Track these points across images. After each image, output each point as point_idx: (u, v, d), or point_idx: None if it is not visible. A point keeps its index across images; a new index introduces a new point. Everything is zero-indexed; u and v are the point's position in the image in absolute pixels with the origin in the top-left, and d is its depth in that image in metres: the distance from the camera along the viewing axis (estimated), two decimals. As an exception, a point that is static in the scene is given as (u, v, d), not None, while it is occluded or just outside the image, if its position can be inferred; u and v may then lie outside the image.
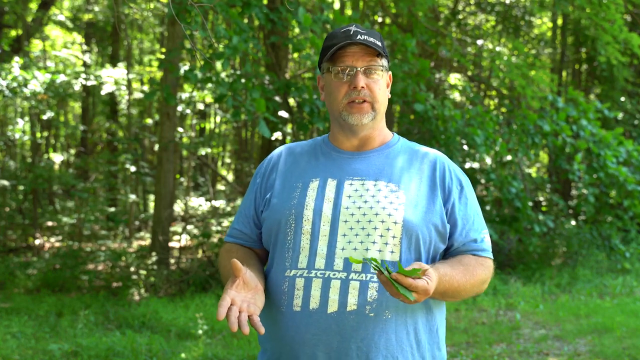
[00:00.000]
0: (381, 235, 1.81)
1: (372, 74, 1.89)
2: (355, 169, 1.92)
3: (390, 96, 2.02)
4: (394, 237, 1.81)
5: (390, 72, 1.99)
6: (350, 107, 1.89)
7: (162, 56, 9.55)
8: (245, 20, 7.73)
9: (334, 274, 1.80)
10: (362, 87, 1.87)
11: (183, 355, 5.25)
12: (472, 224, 1.91)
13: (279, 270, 1.87)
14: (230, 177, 18.30)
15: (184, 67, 7.05)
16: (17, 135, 12.61)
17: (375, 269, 1.64)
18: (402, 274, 1.62)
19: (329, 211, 1.86)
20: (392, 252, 1.81)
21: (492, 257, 1.95)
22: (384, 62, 1.92)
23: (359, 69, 1.88)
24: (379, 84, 1.91)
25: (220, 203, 12.75)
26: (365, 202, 1.85)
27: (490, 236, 8.53)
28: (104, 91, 12.13)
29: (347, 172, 1.92)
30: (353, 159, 1.94)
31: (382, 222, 1.82)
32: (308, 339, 1.79)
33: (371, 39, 1.88)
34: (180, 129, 11.11)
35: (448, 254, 1.92)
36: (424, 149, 2.01)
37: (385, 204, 1.84)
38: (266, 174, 2.03)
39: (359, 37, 1.87)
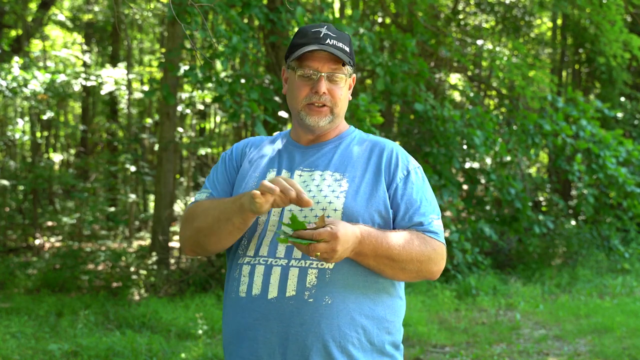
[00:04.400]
0: None
1: (335, 80, 1.96)
2: (307, 160, 2.00)
3: (351, 98, 2.10)
4: None
5: (354, 75, 2.06)
6: (309, 108, 1.97)
7: (162, 56, 9.55)
8: (245, 20, 7.73)
9: (276, 261, 1.86)
10: (324, 92, 1.94)
11: (183, 355, 5.25)
12: (417, 209, 1.91)
13: (234, 258, 1.96)
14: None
15: (184, 67, 7.05)
16: (17, 135, 12.60)
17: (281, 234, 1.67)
18: (300, 228, 1.65)
19: None
20: None
21: (444, 243, 1.91)
22: (348, 69, 1.98)
23: (322, 74, 1.94)
24: (342, 89, 1.98)
25: (220, 203, 12.74)
26: (310, 191, 1.91)
27: (490, 236, 8.66)
28: (104, 91, 12.13)
29: (299, 164, 2.00)
30: (307, 151, 2.02)
31: (323, 209, 1.88)
32: (250, 324, 1.86)
33: (340, 44, 1.95)
34: (180, 129, 11.11)
35: None
36: (375, 138, 2.06)
37: (328, 192, 1.90)
38: (233, 158, 2.09)
39: (328, 41, 1.94)
